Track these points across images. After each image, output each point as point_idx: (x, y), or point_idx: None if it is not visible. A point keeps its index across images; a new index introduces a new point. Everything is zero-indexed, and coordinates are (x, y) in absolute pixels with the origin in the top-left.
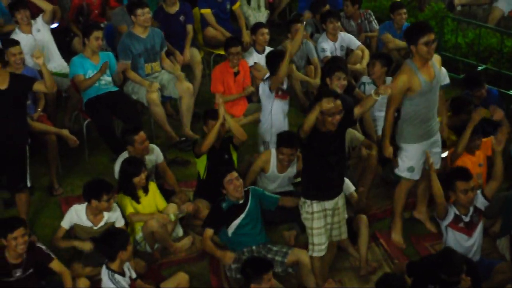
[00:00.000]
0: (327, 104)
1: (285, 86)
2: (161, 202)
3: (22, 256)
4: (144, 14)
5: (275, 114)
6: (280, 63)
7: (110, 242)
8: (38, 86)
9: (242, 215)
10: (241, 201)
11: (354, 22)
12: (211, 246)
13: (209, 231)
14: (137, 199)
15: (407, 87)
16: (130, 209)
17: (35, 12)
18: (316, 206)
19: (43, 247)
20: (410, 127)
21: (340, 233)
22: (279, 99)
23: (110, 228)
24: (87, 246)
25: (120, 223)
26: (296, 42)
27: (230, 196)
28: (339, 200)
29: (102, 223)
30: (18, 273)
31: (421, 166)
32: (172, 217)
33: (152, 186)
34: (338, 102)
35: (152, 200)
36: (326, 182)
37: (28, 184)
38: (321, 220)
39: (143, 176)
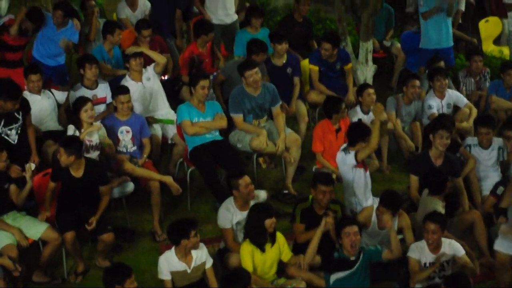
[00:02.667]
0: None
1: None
2: (287, 252)
3: None
4: (252, 75)
5: (356, 183)
6: (371, 133)
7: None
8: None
9: (350, 271)
10: (352, 258)
11: (473, 79)
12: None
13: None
14: (262, 248)
15: None
16: (248, 260)
17: (147, 60)
18: None
19: None
20: None
21: None
22: (360, 168)
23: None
24: None
25: (209, 263)
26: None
27: (344, 250)
28: None
29: (193, 264)
30: None
31: None
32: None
33: (279, 237)
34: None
35: (276, 252)
36: None
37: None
38: None
39: (274, 219)
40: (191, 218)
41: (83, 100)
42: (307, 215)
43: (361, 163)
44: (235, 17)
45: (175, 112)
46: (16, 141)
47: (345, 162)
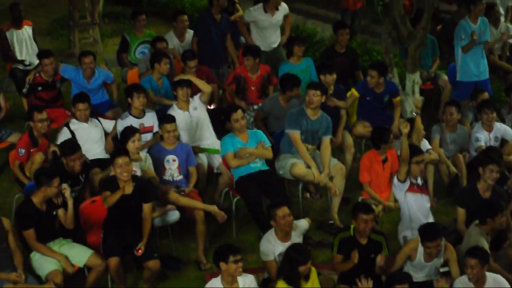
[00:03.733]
0: None
1: (419, 181)
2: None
3: None
4: (316, 96)
5: (411, 208)
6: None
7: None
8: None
9: None
10: None
11: None
12: None
13: None
14: (297, 286)
15: None
16: None
17: (194, 91)
18: None
19: None
20: None
21: None
22: (413, 192)
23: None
24: None
25: None
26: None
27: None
28: None
29: None
30: None
31: None
32: None
33: (313, 272)
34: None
35: (310, 286)
36: None
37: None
38: None
39: (309, 265)
40: (235, 246)
41: (131, 131)
42: (347, 245)
43: (414, 186)
44: (278, 43)
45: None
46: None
47: (398, 188)
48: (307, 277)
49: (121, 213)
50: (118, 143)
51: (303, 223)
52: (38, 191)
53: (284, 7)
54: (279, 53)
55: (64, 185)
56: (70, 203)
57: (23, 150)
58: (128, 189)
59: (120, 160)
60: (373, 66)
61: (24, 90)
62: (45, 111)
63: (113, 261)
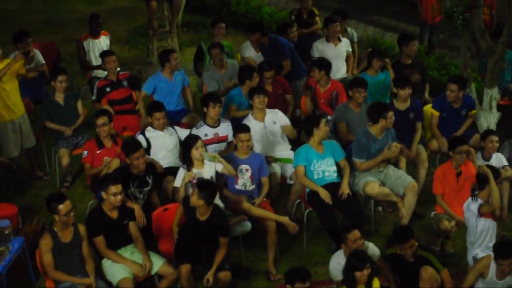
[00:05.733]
0: None
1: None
2: None
3: None
4: (388, 118)
5: (480, 233)
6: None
7: None
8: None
9: None
10: None
11: None
12: None
13: None
14: None
15: None
16: None
17: (278, 102)
18: None
19: None
20: None
21: None
22: (486, 218)
23: None
24: None
25: None
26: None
27: None
28: None
29: None
30: None
31: None
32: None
33: (376, 285)
34: None
35: None
36: None
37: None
38: None
39: (365, 272)
40: (305, 270)
41: (193, 139)
42: (393, 260)
43: (489, 214)
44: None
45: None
46: (142, 205)
47: (470, 208)
48: (368, 286)
49: (194, 234)
50: (183, 151)
51: (375, 250)
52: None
53: (347, 42)
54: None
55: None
56: (136, 207)
57: (85, 152)
58: (203, 217)
59: (187, 177)
60: (453, 80)
61: (94, 97)
62: (105, 116)
63: (185, 268)
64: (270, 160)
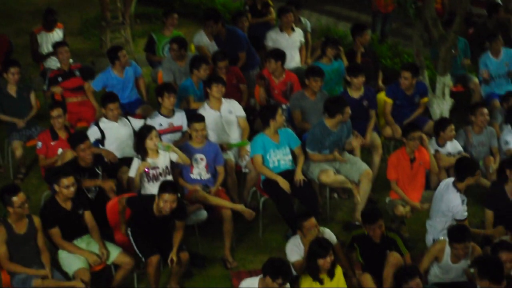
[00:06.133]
0: None
1: None
2: (342, 284)
3: None
4: (344, 113)
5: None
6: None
7: None
8: None
9: None
10: None
11: None
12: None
13: None
14: (319, 280)
15: None
16: None
17: (232, 92)
18: None
19: None
20: None
21: None
22: None
23: None
24: None
25: None
26: None
27: None
28: None
29: None
30: None
31: None
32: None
33: (339, 272)
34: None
35: (335, 285)
36: None
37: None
38: None
39: (328, 259)
40: (287, 268)
41: (147, 129)
42: (360, 241)
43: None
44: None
45: (249, 139)
46: (94, 197)
47: (448, 192)
48: (331, 274)
49: (149, 226)
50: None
51: (331, 237)
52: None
53: (300, 32)
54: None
55: None
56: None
57: (40, 143)
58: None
59: (168, 196)
60: (406, 67)
61: (44, 87)
62: (59, 108)
63: (155, 259)
64: (224, 147)
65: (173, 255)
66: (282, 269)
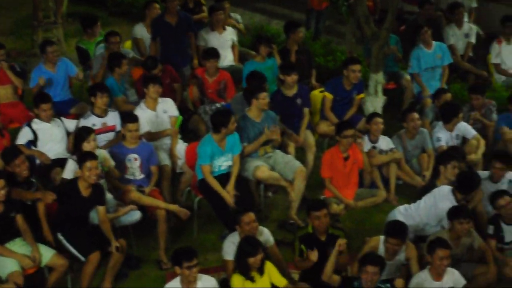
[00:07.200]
0: None
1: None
2: (280, 281)
3: None
4: (266, 98)
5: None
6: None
7: None
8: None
9: None
10: None
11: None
12: None
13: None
14: (251, 278)
15: None
16: None
17: (166, 92)
18: None
19: None
20: None
21: None
22: None
23: None
24: None
25: None
26: None
27: (364, 283)
28: None
29: None
30: None
31: None
32: None
33: (268, 266)
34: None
35: (267, 281)
36: None
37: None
38: None
39: (258, 257)
40: (190, 249)
41: (86, 131)
42: (307, 241)
43: None
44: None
45: (183, 140)
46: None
47: (442, 196)
48: (260, 271)
49: (77, 215)
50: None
51: (269, 237)
52: None
53: (232, 31)
54: (234, 70)
55: None
56: None
57: None
58: (87, 192)
59: (89, 164)
60: (355, 60)
61: None
62: None
63: (96, 256)
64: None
65: (115, 243)
66: (181, 253)
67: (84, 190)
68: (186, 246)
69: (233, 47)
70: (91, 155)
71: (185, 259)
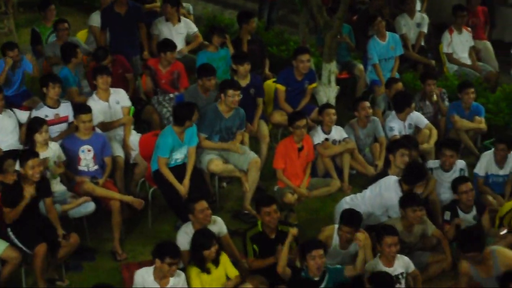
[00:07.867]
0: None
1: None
2: (232, 271)
3: None
4: (235, 96)
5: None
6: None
7: None
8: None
9: None
10: (316, 278)
11: (429, 102)
12: None
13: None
14: (206, 270)
15: None
16: (196, 283)
17: (115, 82)
18: None
19: None
20: None
21: None
22: None
23: None
24: None
25: None
26: None
27: (309, 271)
28: None
29: None
30: None
31: None
32: None
33: (223, 258)
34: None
35: (222, 272)
36: None
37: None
38: None
39: (213, 249)
40: (176, 247)
41: (39, 123)
42: (257, 241)
43: None
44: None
45: (136, 131)
46: None
47: (388, 187)
48: (216, 262)
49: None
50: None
51: (223, 226)
52: None
53: (189, 24)
54: (187, 59)
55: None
56: None
57: None
58: (32, 190)
59: (31, 162)
60: (305, 50)
61: None
62: None
63: (42, 248)
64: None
65: (61, 231)
66: (167, 248)
67: (28, 188)
68: (170, 241)
69: (195, 36)
70: (32, 153)
71: (170, 255)
